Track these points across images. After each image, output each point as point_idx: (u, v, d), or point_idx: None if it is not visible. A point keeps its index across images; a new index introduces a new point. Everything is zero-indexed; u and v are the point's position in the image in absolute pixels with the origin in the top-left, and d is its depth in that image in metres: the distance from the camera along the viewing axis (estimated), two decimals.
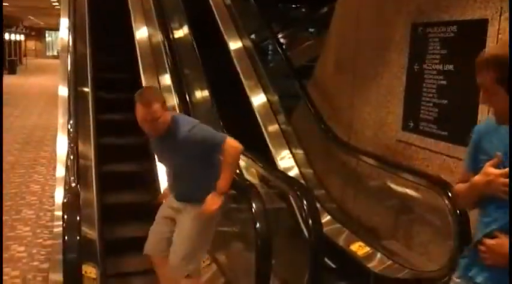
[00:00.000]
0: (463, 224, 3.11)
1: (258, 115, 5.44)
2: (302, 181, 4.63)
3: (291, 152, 5.13)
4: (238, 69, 5.83)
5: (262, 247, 2.80)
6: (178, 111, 4.80)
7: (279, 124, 5.39)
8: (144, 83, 5.12)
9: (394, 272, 3.67)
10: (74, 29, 5.46)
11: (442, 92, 3.53)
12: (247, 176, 4.58)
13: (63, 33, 5.80)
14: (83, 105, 4.69)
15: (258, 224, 2.83)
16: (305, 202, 3.02)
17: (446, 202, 3.17)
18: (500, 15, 3.08)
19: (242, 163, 4.66)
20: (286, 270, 3.47)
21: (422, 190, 3.57)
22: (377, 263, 3.76)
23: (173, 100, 4.97)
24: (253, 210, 2.88)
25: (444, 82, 3.51)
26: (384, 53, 4.12)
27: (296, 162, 5.02)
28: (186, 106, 4.67)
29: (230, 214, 4.13)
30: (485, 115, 3.12)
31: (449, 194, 3.17)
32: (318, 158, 5.01)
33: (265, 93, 5.61)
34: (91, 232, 3.79)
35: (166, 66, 5.23)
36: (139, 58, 5.29)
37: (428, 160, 3.61)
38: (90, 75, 5.15)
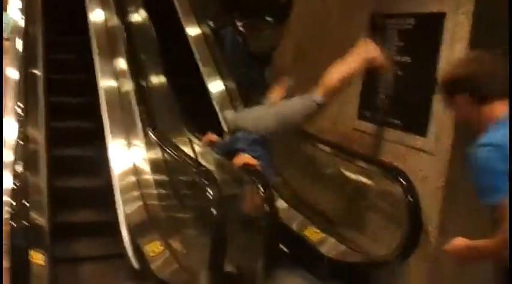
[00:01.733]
0: (415, 210, 3.18)
1: (215, 103, 5.41)
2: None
3: None
4: (196, 55, 5.77)
5: (217, 233, 2.79)
6: (133, 98, 4.73)
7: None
8: (97, 67, 5.01)
9: (346, 257, 3.72)
10: (25, 9, 5.28)
11: (398, 83, 3.57)
12: (203, 162, 4.56)
13: (13, 14, 5.60)
14: (33, 87, 4.55)
15: (213, 211, 2.81)
16: (260, 187, 3.01)
17: (399, 189, 3.23)
18: (457, 9, 3.12)
19: (198, 149, 4.64)
20: (241, 255, 3.46)
21: (376, 178, 3.61)
22: (330, 248, 3.81)
23: (129, 86, 4.89)
24: (209, 196, 2.86)
25: (400, 73, 3.55)
26: (342, 43, 4.13)
27: None
28: (142, 92, 4.59)
29: (185, 200, 4.11)
30: (439, 105, 3.18)
31: (402, 181, 3.23)
32: (276, 145, 5.00)
33: (223, 80, 5.58)
34: (40, 219, 3.68)
35: (122, 50, 5.13)
36: (93, 41, 5.15)
37: (383, 149, 3.66)
38: (41, 57, 5.00)
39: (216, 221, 2.77)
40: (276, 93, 4.05)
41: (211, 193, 2.84)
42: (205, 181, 2.91)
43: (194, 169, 3.13)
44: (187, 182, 3.91)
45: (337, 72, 3.56)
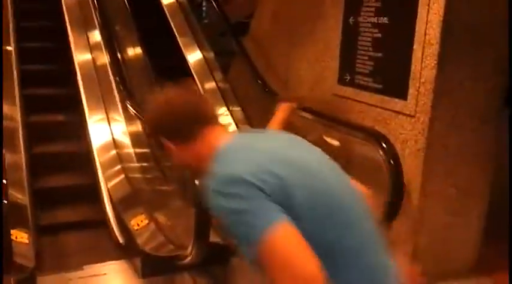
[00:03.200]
0: (396, 173, 3.19)
1: (194, 73, 5.35)
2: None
3: (228, 109, 5.09)
4: (173, 25, 5.67)
5: (200, 204, 2.77)
6: (109, 70, 4.63)
7: (215, 82, 5.32)
8: (71, 38, 4.90)
9: None
10: None
11: (376, 45, 3.55)
12: None
13: None
14: (5, 56, 4.43)
15: (196, 181, 2.78)
16: None
17: (381, 153, 3.23)
18: None
19: None
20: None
21: (358, 143, 3.61)
22: None
23: (104, 58, 4.80)
24: None
25: (379, 35, 3.52)
26: (319, 6, 4.08)
27: (233, 118, 5.00)
28: (118, 65, 4.50)
29: (168, 172, 4.09)
30: (418, 66, 3.17)
31: (383, 145, 3.24)
32: (255, 114, 4.99)
33: (201, 50, 5.50)
34: (21, 197, 3.64)
35: (96, 21, 5.00)
36: (65, 11, 5.02)
37: (364, 113, 3.65)
38: (12, 25, 4.85)
39: (199, 191, 2.74)
40: (275, 123, 3.88)
41: None
42: None
43: None
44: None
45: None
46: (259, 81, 4.54)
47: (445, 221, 3.39)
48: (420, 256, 3.37)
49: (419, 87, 3.19)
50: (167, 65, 5.22)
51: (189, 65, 5.38)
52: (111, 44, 4.71)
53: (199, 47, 5.51)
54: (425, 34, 3.12)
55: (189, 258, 2.89)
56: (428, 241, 3.37)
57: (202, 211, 2.77)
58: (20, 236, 3.26)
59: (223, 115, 5.06)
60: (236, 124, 4.98)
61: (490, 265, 3.61)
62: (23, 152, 3.88)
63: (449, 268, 3.48)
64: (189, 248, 2.84)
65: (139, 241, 3.40)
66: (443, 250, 3.44)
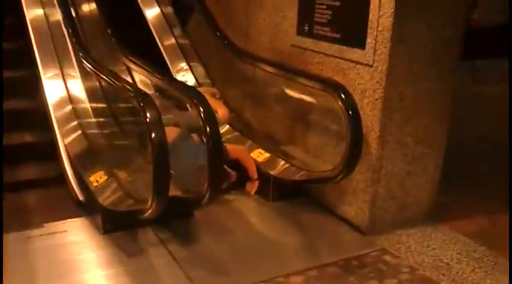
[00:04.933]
0: (355, 124, 3.21)
1: (152, 29, 5.22)
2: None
3: (188, 64, 5.02)
4: None
5: (158, 157, 2.74)
6: (64, 27, 4.46)
7: (175, 37, 5.21)
8: None
9: (292, 174, 3.78)
10: None
11: None
12: (143, 88, 4.44)
13: None
14: None
15: (153, 134, 2.74)
16: (202, 109, 2.95)
17: (340, 103, 3.23)
18: None
19: (137, 77, 4.51)
20: (186, 179, 3.45)
21: (317, 94, 3.61)
22: (275, 167, 3.85)
23: (57, 15, 4.62)
24: (148, 120, 2.78)
25: None
26: None
27: (193, 73, 4.93)
28: (73, 23, 4.34)
29: (125, 127, 4.02)
30: (375, 14, 3.15)
31: (342, 95, 3.24)
32: (215, 68, 4.93)
33: (159, 5, 5.36)
34: None
35: None
36: None
37: (322, 64, 3.64)
38: None
39: (156, 143, 2.70)
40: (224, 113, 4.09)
41: (149, 115, 2.76)
42: (142, 104, 2.82)
43: (130, 93, 3.01)
44: (127, 108, 3.82)
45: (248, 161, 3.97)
46: (218, 34, 4.45)
47: (403, 170, 3.45)
48: (379, 205, 3.44)
49: (376, 36, 3.18)
50: (124, 22, 5.07)
51: (148, 21, 5.25)
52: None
53: (157, 2, 5.37)
54: None
55: (149, 212, 2.86)
56: (387, 190, 3.44)
57: (159, 164, 2.74)
58: None
59: (183, 70, 4.99)
60: (196, 79, 4.92)
61: (446, 213, 3.72)
62: None
63: (407, 215, 3.57)
64: (149, 202, 2.81)
65: (99, 197, 3.35)
66: (401, 198, 3.51)
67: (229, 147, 3.93)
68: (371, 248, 3.32)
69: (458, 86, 3.60)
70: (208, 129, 2.86)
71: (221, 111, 4.04)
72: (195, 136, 3.67)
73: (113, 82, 3.30)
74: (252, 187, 3.89)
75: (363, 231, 3.48)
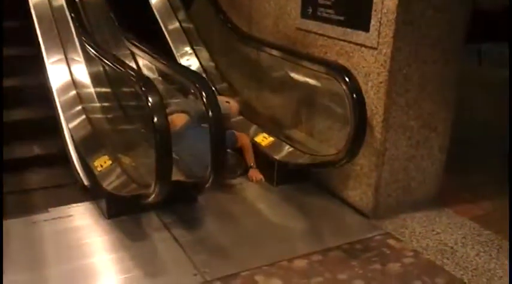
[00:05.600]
0: (359, 107, 3.18)
1: (156, 13, 5.19)
2: (203, 75, 4.57)
3: (192, 48, 4.99)
4: None
5: (160, 141, 2.73)
6: (68, 13, 4.43)
7: (179, 21, 5.18)
8: None
9: (296, 158, 3.77)
10: None
11: None
12: (146, 72, 4.43)
13: None
14: None
15: (155, 119, 2.73)
16: (204, 93, 2.93)
17: (344, 86, 3.20)
18: None
19: (141, 61, 4.49)
20: (190, 163, 3.45)
21: (321, 78, 3.58)
22: (280, 151, 3.84)
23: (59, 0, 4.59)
24: (149, 104, 2.77)
25: None
26: None
27: (197, 57, 4.91)
28: (75, 7, 4.30)
29: (129, 112, 4.02)
30: None
31: (346, 79, 3.21)
32: (219, 52, 4.91)
33: None
34: None
35: None
36: None
37: (327, 47, 3.60)
38: None
39: (158, 128, 2.69)
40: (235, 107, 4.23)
41: (151, 100, 2.74)
42: (143, 89, 2.80)
43: (132, 78, 3.00)
44: (131, 93, 3.80)
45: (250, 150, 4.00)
46: (222, 17, 4.41)
47: (407, 153, 3.43)
48: (383, 189, 3.42)
49: (381, 18, 3.14)
50: (128, 6, 5.04)
51: (151, 5, 5.21)
52: None
53: None
54: None
55: (152, 197, 2.87)
56: (391, 174, 3.42)
57: (161, 148, 2.73)
58: None
59: (187, 54, 4.96)
60: (200, 63, 4.89)
61: (450, 197, 3.70)
62: None
63: (411, 199, 3.56)
64: (152, 187, 2.81)
65: (103, 182, 3.36)
66: (405, 182, 3.50)
67: (237, 133, 3.96)
68: (375, 232, 3.32)
69: (464, 69, 3.56)
70: (210, 112, 2.84)
71: (233, 103, 4.13)
72: None
73: (115, 66, 3.28)
74: (253, 175, 3.91)
75: (367, 215, 3.47)
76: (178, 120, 3.76)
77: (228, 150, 3.74)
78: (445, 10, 3.19)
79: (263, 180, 3.89)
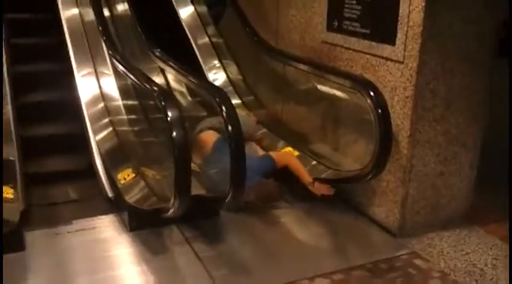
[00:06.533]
0: (385, 123, 3.11)
1: (186, 28, 5.22)
2: (230, 88, 4.57)
3: (220, 61, 5.00)
4: None
5: (179, 156, 2.72)
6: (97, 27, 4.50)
7: (208, 36, 5.20)
8: None
9: (319, 173, 3.70)
10: None
11: None
12: (175, 86, 4.47)
13: None
14: None
15: (174, 133, 2.72)
16: (224, 108, 2.92)
17: (369, 101, 3.14)
18: None
19: (168, 75, 4.52)
20: (213, 177, 3.43)
21: (347, 91, 3.52)
22: (305, 165, 3.77)
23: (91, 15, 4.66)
24: (169, 118, 2.76)
25: None
26: None
27: (225, 70, 4.91)
28: (104, 21, 4.37)
29: (156, 125, 4.03)
30: (406, 9, 3.04)
31: (371, 93, 3.14)
32: (247, 65, 4.90)
33: (193, 3, 5.36)
34: (8, 151, 3.62)
35: None
36: None
37: (352, 60, 3.54)
38: None
39: (177, 142, 2.69)
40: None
41: (170, 114, 2.74)
42: (163, 103, 2.80)
43: (153, 92, 3.00)
44: (155, 106, 3.82)
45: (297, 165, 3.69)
46: (249, 30, 4.41)
47: (435, 170, 3.32)
48: (410, 206, 3.32)
49: (407, 31, 3.07)
50: (157, 21, 5.10)
51: (181, 20, 5.25)
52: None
53: (191, 1, 5.37)
54: None
55: (171, 211, 2.85)
56: (419, 191, 3.32)
57: (181, 164, 2.72)
58: (5, 192, 3.25)
59: (216, 68, 4.98)
60: (228, 76, 4.90)
61: (481, 215, 3.56)
62: (9, 105, 3.84)
63: (439, 217, 3.44)
64: (171, 201, 2.80)
65: (126, 194, 3.37)
66: (433, 200, 3.39)
67: (275, 155, 3.75)
68: (401, 251, 3.21)
69: (495, 83, 3.43)
70: (230, 128, 2.82)
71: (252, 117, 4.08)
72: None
73: (137, 80, 3.30)
74: (321, 189, 3.54)
75: (393, 233, 3.37)
76: (209, 138, 3.72)
77: (263, 179, 3.55)
78: (473, 22, 3.10)
79: (333, 192, 3.51)
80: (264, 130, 4.33)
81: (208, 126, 3.83)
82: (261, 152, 3.92)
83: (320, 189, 3.52)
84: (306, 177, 3.59)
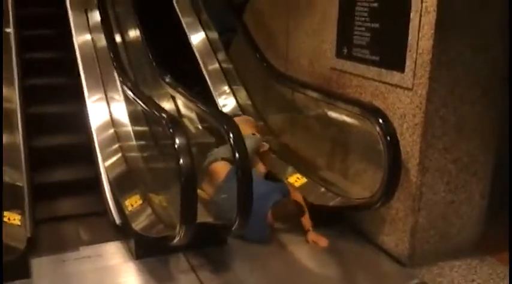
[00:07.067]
0: (394, 151, 3.08)
1: (197, 53, 5.26)
2: (240, 114, 4.57)
3: (230, 87, 5.01)
4: (176, 6, 5.56)
5: (186, 183, 2.70)
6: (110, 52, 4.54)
7: (218, 62, 5.23)
8: (71, 19, 4.83)
9: (328, 201, 3.66)
10: None
11: (373, 15, 3.40)
12: (185, 112, 4.48)
13: None
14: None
15: (181, 161, 2.71)
16: (231, 135, 2.91)
17: (378, 128, 3.11)
18: None
19: (179, 101, 4.54)
20: (222, 205, 3.41)
21: (356, 119, 3.50)
22: (312, 193, 3.73)
23: (103, 39, 4.71)
24: (176, 146, 2.76)
25: (375, 4, 3.37)
26: None
27: (235, 96, 4.92)
28: (115, 48, 4.41)
29: (164, 151, 4.03)
30: (415, 36, 3.03)
31: (380, 120, 3.12)
32: (257, 91, 4.91)
33: (204, 29, 5.41)
34: (17, 178, 3.63)
35: (96, 1, 4.92)
36: None
37: (362, 87, 3.53)
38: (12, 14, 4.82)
39: (184, 170, 2.67)
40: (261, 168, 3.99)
41: (177, 141, 2.73)
42: (171, 130, 2.80)
43: (162, 119, 3.01)
44: (163, 133, 3.82)
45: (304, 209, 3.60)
46: (258, 56, 4.42)
47: (445, 198, 3.27)
48: (420, 235, 3.27)
49: (416, 59, 3.05)
50: (169, 46, 5.15)
51: (192, 46, 5.29)
52: (109, 25, 4.61)
53: (202, 27, 5.42)
54: (422, 1, 2.97)
55: (177, 238, 2.83)
56: (428, 219, 3.26)
57: (188, 192, 2.70)
58: (12, 218, 3.25)
59: (226, 93, 4.99)
60: (237, 102, 4.90)
61: (493, 244, 3.49)
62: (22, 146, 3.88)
63: (450, 246, 3.37)
64: (177, 228, 2.78)
65: (133, 222, 3.35)
66: (443, 229, 3.33)
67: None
68: (410, 282, 3.16)
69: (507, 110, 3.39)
70: (237, 155, 2.81)
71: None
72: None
73: (146, 106, 3.31)
74: (315, 239, 3.50)
75: (402, 262, 3.31)
76: (221, 169, 3.67)
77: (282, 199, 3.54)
78: (484, 50, 3.07)
79: (327, 243, 3.46)
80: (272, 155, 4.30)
81: (221, 157, 3.79)
82: (262, 170, 3.93)
83: (313, 240, 3.49)
84: (307, 222, 3.55)
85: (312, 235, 3.51)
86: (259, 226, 3.40)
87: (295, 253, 3.52)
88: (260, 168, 3.92)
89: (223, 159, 3.74)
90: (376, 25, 3.38)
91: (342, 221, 3.75)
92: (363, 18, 3.48)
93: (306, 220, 3.57)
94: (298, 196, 3.67)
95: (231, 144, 2.87)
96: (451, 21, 2.94)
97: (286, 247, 3.57)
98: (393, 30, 3.24)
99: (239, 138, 2.89)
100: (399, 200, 3.25)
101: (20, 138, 3.92)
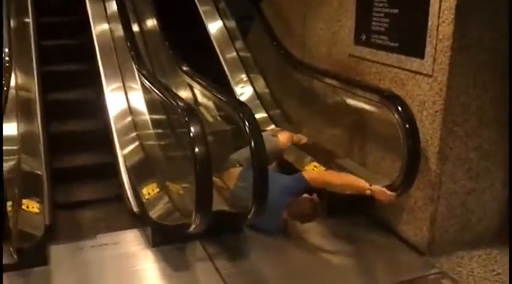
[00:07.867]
0: (413, 139, 3.03)
1: (214, 42, 5.22)
2: (257, 102, 4.53)
3: (248, 76, 4.98)
4: None
5: (201, 171, 2.69)
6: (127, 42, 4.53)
7: (236, 51, 5.19)
8: (89, 11, 4.84)
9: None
10: None
11: (392, 1, 3.34)
12: (202, 100, 4.46)
13: None
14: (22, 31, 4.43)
15: (196, 149, 2.70)
16: (247, 123, 2.88)
17: (396, 116, 3.07)
18: None
19: (198, 93, 4.52)
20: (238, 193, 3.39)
21: (375, 106, 3.45)
22: None
23: (120, 29, 4.70)
24: (191, 134, 2.75)
25: None
26: None
27: (252, 84, 4.89)
28: (132, 37, 4.40)
29: (182, 139, 4.02)
30: (435, 22, 2.96)
31: (399, 108, 3.07)
32: (274, 79, 4.87)
33: (222, 18, 5.37)
34: (36, 166, 3.66)
35: None
36: None
37: (380, 74, 3.47)
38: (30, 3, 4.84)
39: (199, 158, 2.66)
40: (284, 138, 3.96)
41: (193, 130, 2.72)
42: (187, 118, 2.78)
43: (177, 108, 2.99)
44: (179, 121, 3.82)
45: (341, 179, 3.39)
46: (276, 44, 4.37)
47: (465, 187, 3.21)
48: (439, 224, 3.21)
49: (436, 45, 2.99)
50: (187, 35, 5.13)
51: (210, 35, 5.25)
52: (126, 14, 4.60)
53: (219, 15, 5.38)
54: None
55: (193, 227, 2.82)
56: (448, 208, 3.20)
57: (203, 179, 2.69)
58: (30, 206, 3.28)
59: (243, 82, 4.95)
60: (255, 90, 4.87)
61: None
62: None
63: (470, 236, 3.31)
64: (193, 216, 2.77)
65: (150, 210, 3.35)
66: (464, 218, 3.27)
67: (308, 175, 3.47)
68: (430, 271, 3.11)
69: None
70: (252, 143, 2.79)
71: (282, 136, 3.96)
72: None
73: (162, 95, 3.30)
74: (381, 195, 3.19)
75: (422, 252, 3.26)
76: (231, 177, 3.57)
77: (305, 195, 3.38)
78: (504, 35, 2.99)
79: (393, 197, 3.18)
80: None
81: (231, 165, 3.66)
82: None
83: (381, 193, 3.19)
84: (362, 183, 3.24)
85: (376, 188, 3.20)
86: (275, 217, 3.36)
87: (311, 242, 3.49)
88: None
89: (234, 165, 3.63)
90: (395, 10, 3.32)
91: (360, 210, 3.71)
92: (382, 4, 3.41)
93: (360, 184, 3.25)
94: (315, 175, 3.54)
95: (245, 132, 2.85)
96: (471, 6, 2.87)
97: (303, 235, 3.54)
98: (412, 16, 3.17)
99: (254, 125, 2.86)
100: (418, 189, 3.20)
101: (39, 125, 3.95)
